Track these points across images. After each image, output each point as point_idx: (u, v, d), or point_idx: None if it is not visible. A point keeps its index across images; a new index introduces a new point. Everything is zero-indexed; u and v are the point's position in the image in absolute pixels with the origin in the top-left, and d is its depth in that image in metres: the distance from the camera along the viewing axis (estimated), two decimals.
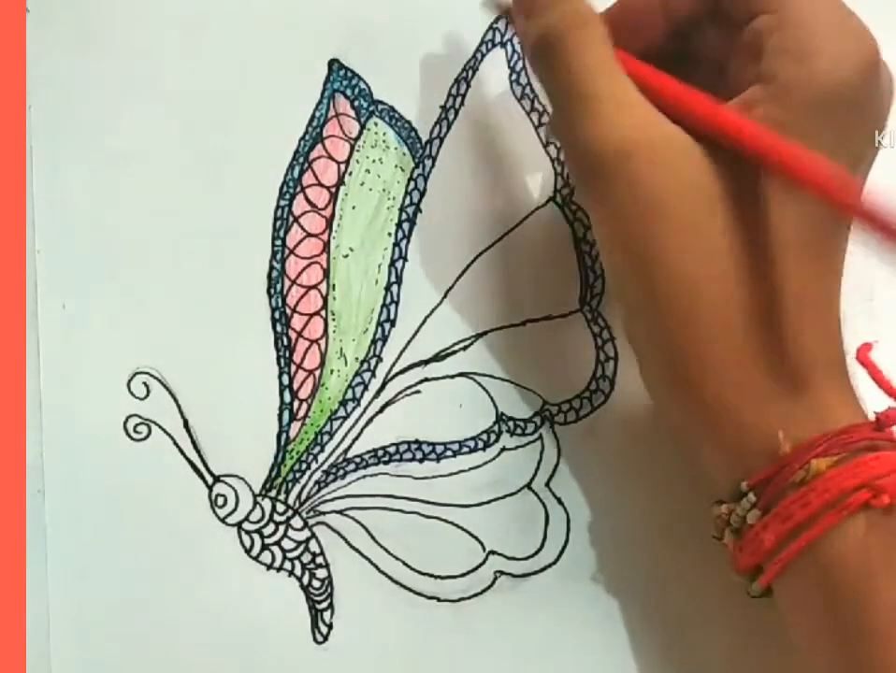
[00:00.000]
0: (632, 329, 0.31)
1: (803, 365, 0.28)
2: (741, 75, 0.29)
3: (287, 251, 0.37)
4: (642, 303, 0.29)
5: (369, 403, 0.37)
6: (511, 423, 0.37)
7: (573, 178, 0.30)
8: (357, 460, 0.36)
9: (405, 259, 0.37)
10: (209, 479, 0.36)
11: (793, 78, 0.27)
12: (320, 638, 0.36)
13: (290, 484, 0.36)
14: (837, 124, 0.27)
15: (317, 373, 0.37)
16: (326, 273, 0.37)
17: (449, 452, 0.37)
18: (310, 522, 0.36)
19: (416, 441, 0.37)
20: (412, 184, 0.38)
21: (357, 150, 0.38)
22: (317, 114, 0.38)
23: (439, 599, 0.36)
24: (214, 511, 0.36)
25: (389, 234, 0.38)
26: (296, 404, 0.36)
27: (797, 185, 0.26)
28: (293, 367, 0.37)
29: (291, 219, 0.37)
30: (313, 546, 0.36)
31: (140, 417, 0.36)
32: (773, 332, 0.27)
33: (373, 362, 0.37)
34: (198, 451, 0.36)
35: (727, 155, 0.28)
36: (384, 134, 0.38)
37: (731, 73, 0.30)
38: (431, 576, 0.36)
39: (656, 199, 0.27)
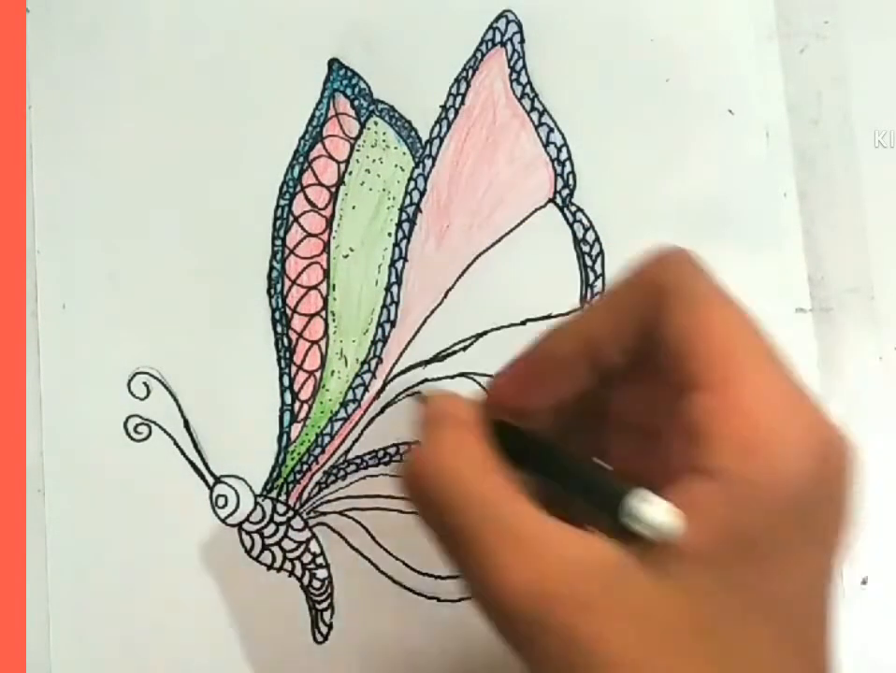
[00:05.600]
0: None
1: None
2: (673, 454, 0.24)
3: (287, 251, 0.37)
4: None
5: (370, 404, 0.37)
6: None
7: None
8: (358, 461, 0.36)
9: (405, 259, 0.37)
10: (210, 480, 0.36)
11: (746, 474, 0.23)
12: (320, 638, 0.36)
13: (291, 485, 0.36)
14: (808, 520, 0.23)
15: (318, 374, 0.37)
16: (327, 273, 0.37)
17: None
18: (311, 522, 0.36)
19: (417, 442, 0.36)
20: (412, 184, 0.38)
21: (357, 150, 0.38)
22: (317, 113, 0.38)
23: (439, 599, 0.36)
24: (215, 512, 0.36)
25: (389, 234, 0.38)
26: (296, 405, 0.36)
27: None
28: (293, 368, 0.37)
29: (291, 218, 0.37)
30: (314, 546, 0.36)
31: (141, 417, 0.36)
32: None
33: (373, 363, 0.37)
34: (199, 452, 0.36)
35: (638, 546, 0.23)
36: (384, 133, 0.38)
37: (662, 448, 0.25)
38: (431, 576, 0.36)
39: (592, 646, 0.23)
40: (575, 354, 0.26)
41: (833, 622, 0.24)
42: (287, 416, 0.36)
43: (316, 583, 0.36)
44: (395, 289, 0.37)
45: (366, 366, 0.37)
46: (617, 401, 0.28)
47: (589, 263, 0.38)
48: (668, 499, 0.23)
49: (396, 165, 0.38)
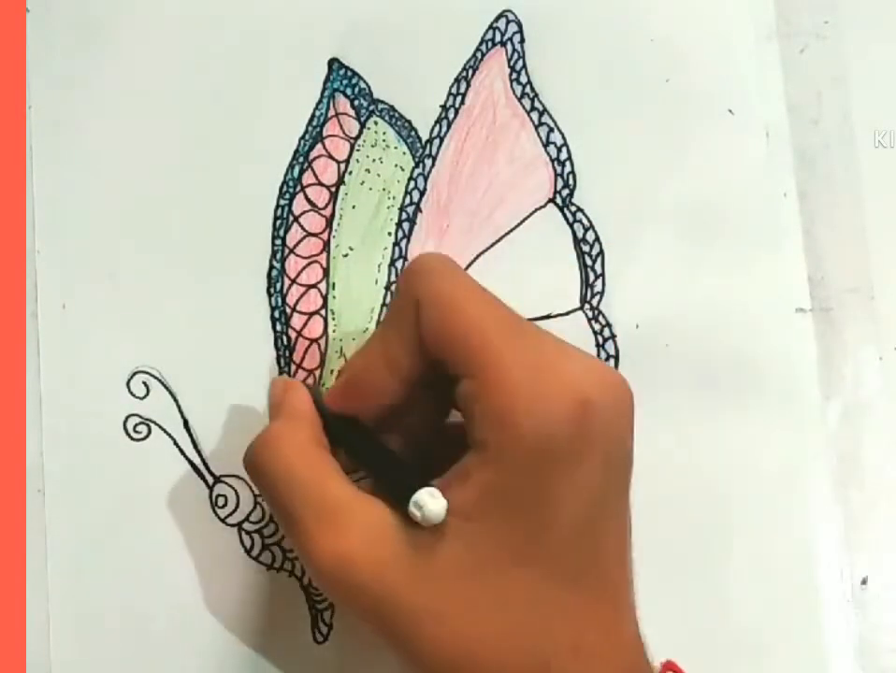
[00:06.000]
0: None
1: None
2: (464, 437, 0.29)
3: (287, 251, 0.37)
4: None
5: None
6: None
7: None
8: None
9: (405, 259, 0.37)
10: (210, 480, 0.36)
11: (500, 444, 0.27)
12: (320, 638, 0.36)
13: None
14: (563, 475, 0.27)
15: (317, 373, 0.37)
16: (326, 272, 0.37)
17: None
18: None
19: None
20: (412, 184, 0.38)
21: (357, 150, 0.38)
22: (317, 113, 0.38)
23: None
24: (215, 511, 0.36)
25: (389, 233, 0.38)
26: None
27: None
28: (293, 367, 0.36)
29: (291, 218, 0.37)
30: None
31: (140, 417, 0.36)
32: None
33: None
34: (199, 452, 0.36)
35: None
36: (384, 133, 0.38)
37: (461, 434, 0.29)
38: None
39: (382, 596, 0.27)
40: (381, 374, 0.30)
41: (623, 564, 0.29)
42: None
43: None
44: (395, 288, 0.37)
45: None
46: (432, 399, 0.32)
47: (589, 263, 0.38)
48: (453, 472, 0.28)
49: (396, 165, 0.38)
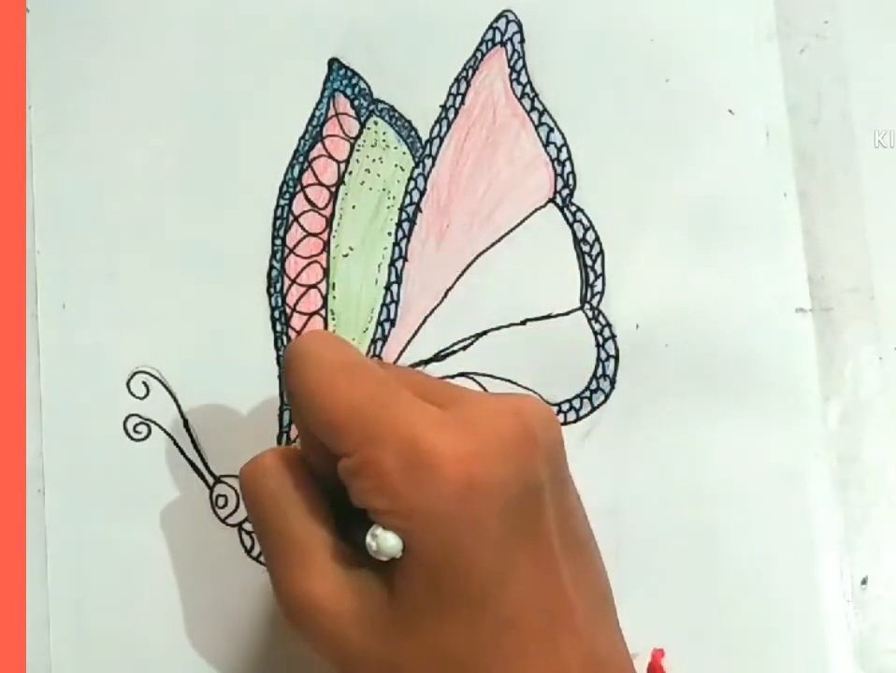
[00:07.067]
0: None
1: None
2: None
3: (287, 251, 0.37)
4: None
5: None
6: None
7: None
8: None
9: (405, 259, 0.37)
10: (210, 480, 0.36)
11: (395, 512, 0.27)
12: None
13: None
14: (454, 548, 0.27)
15: None
16: (326, 272, 0.37)
17: None
18: None
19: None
20: (412, 183, 0.38)
21: (357, 150, 0.38)
22: (317, 113, 0.38)
23: None
24: (215, 512, 0.36)
25: (389, 233, 0.38)
26: None
27: None
28: None
29: (291, 218, 0.37)
30: None
31: (140, 417, 0.36)
32: None
33: None
34: (199, 452, 0.36)
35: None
36: (384, 133, 0.38)
37: None
38: None
39: (337, 644, 0.29)
40: (311, 456, 0.31)
41: (557, 593, 0.28)
42: (287, 415, 0.36)
43: None
44: (394, 288, 0.37)
45: None
46: None
47: (589, 263, 0.38)
48: None
49: (396, 165, 0.38)
